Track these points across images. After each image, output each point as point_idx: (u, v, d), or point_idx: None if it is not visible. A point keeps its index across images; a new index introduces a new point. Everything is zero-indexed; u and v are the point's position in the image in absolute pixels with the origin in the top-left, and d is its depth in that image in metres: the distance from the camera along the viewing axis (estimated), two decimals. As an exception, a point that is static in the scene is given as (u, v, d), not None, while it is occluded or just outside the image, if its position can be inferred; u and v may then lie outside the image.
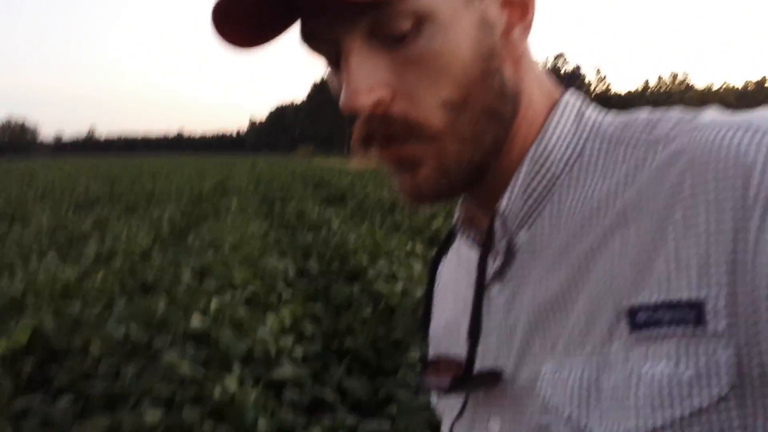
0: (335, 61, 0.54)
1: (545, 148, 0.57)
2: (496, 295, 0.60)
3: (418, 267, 5.55)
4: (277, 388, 3.48)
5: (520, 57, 0.57)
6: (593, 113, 0.59)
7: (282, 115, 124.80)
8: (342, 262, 6.63)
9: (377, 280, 5.19)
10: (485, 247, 0.59)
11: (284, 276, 6.00)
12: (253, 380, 3.44)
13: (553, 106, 0.60)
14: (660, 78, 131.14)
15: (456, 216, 0.67)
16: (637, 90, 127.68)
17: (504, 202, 0.58)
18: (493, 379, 0.58)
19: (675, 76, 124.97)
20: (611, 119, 0.58)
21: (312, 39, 0.53)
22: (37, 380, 3.94)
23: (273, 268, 5.97)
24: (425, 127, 0.52)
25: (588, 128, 0.58)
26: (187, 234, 9.60)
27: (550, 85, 0.61)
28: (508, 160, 0.58)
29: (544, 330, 0.55)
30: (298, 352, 3.99)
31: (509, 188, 0.58)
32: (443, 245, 0.71)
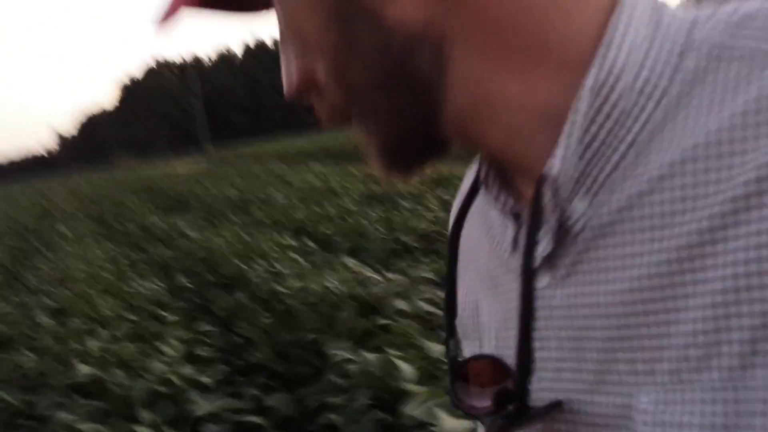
0: None
1: (609, 72, 0.38)
2: (546, 290, 0.42)
3: (303, 261, 5.28)
4: (194, 425, 3.11)
5: None
6: (674, 15, 0.40)
7: (93, 126, 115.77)
8: (214, 272, 6.18)
9: (264, 283, 4.87)
10: (531, 234, 0.41)
11: (157, 300, 5.46)
12: (166, 424, 3.05)
13: (611, 8, 0.39)
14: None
15: (477, 168, 0.48)
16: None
17: (557, 163, 0.39)
18: (551, 410, 0.42)
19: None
20: (704, 19, 0.39)
21: None
22: None
23: (142, 294, 5.42)
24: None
25: (672, 38, 0.39)
26: (19, 274, 8.55)
27: None
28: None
29: (632, 345, 0.38)
30: (202, 380, 3.62)
31: (562, 140, 0.39)
32: (465, 205, 0.50)
